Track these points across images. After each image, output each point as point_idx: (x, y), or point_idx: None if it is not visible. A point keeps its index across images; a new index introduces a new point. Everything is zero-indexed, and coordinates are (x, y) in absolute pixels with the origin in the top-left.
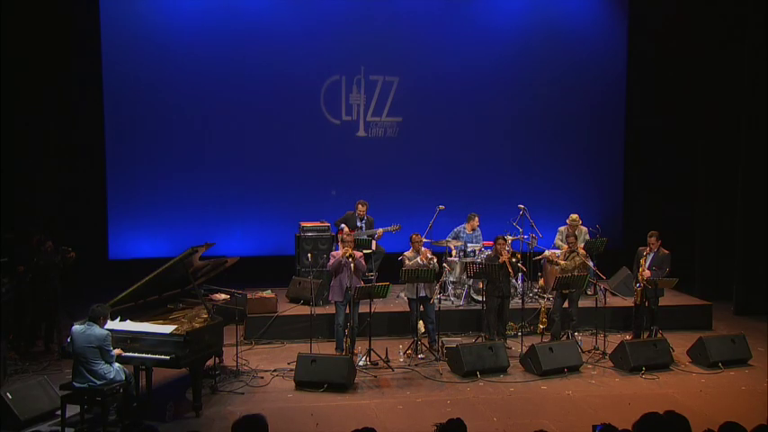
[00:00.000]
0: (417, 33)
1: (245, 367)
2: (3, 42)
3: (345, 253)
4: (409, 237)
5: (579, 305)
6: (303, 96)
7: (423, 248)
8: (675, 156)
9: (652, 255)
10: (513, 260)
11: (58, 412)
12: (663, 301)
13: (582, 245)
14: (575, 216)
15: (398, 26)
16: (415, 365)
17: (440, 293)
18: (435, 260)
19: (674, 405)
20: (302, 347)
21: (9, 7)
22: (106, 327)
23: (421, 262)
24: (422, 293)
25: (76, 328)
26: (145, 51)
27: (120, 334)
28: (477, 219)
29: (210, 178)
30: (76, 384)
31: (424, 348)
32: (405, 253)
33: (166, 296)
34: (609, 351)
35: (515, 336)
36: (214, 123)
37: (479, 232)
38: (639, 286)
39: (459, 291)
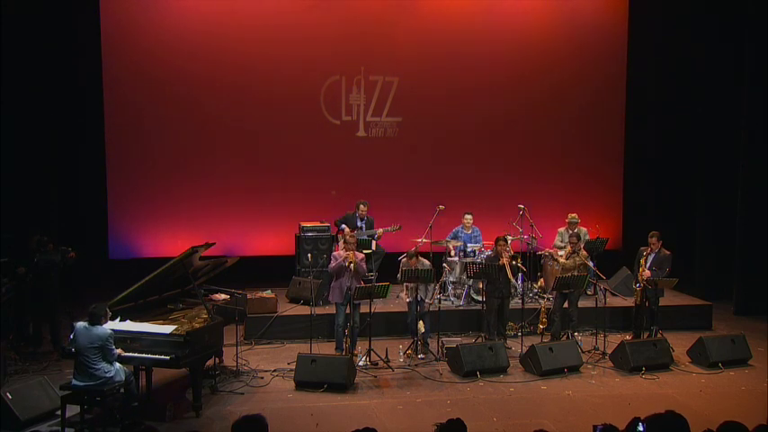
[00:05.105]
0: (417, 33)
1: (245, 367)
2: (2, 42)
3: (347, 257)
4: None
5: (579, 305)
6: (303, 96)
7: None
8: (675, 155)
9: (653, 255)
10: (513, 262)
11: (58, 412)
12: (663, 301)
13: (582, 244)
14: (573, 215)
15: (398, 26)
16: (415, 365)
17: (440, 293)
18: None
19: (674, 405)
20: (302, 347)
21: (9, 8)
22: (106, 326)
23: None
24: (420, 295)
25: (80, 324)
26: (145, 51)
27: (120, 334)
28: (467, 217)
29: (210, 178)
30: (76, 382)
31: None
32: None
33: (166, 296)
34: (609, 351)
35: (515, 336)
36: (214, 123)
37: (478, 233)
38: (639, 286)
39: (459, 291)
